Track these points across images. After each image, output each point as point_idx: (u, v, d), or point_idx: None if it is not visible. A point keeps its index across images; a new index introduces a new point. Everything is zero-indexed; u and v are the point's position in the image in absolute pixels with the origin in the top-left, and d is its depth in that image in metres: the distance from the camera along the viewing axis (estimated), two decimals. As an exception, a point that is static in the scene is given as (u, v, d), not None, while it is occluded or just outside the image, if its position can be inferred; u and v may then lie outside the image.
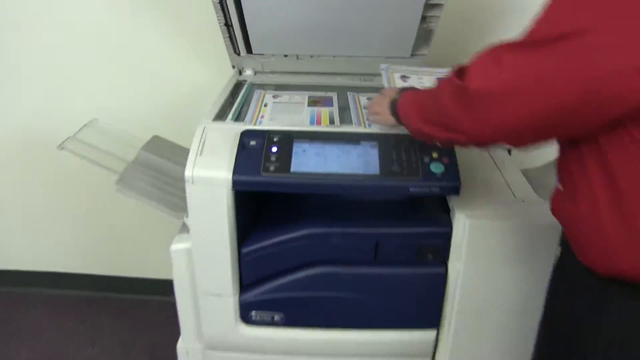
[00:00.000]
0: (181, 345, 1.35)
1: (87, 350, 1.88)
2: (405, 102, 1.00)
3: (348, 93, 1.38)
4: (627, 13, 0.63)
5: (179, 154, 1.43)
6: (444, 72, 1.24)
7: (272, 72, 1.51)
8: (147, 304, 2.10)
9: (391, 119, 1.06)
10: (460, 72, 0.79)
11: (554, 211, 0.89)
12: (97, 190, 1.95)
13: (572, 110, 0.69)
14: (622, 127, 0.70)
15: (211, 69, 1.70)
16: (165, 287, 2.02)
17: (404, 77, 1.25)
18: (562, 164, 0.84)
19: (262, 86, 1.44)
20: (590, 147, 0.75)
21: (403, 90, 1.06)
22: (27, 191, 2.00)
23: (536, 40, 0.70)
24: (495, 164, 1.32)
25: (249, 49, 1.44)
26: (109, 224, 2.05)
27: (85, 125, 1.35)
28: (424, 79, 1.24)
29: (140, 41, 1.71)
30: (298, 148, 1.11)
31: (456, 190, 1.08)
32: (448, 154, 1.10)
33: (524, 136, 0.76)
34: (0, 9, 1.70)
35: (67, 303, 2.11)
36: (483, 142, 0.82)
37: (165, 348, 1.86)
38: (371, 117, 1.16)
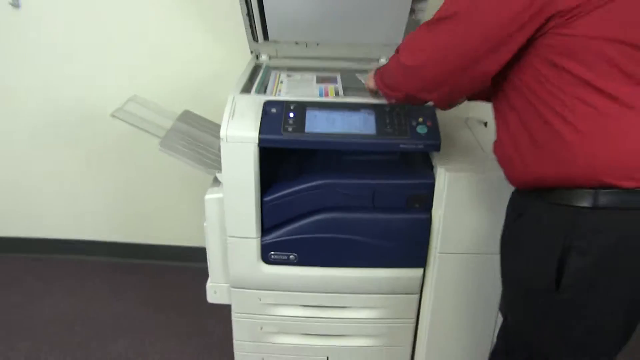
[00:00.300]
0: (210, 285, 1.61)
1: (118, 305, 2.14)
2: (377, 74, 1.32)
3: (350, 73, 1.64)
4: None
5: (206, 125, 1.69)
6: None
7: (285, 57, 1.76)
8: (169, 269, 2.36)
9: (373, 85, 1.36)
10: (398, 50, 1.16)
11: (496, 156, 1.16)
12: (126, 170, 2.22)
13: (454, 74, 1.05)
14: (519, 83, 1.02)
15: (231, 54, 1.96)
16: (185, 254, 2.30)
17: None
18: (496, 121, 1.13)
19: (277, 68, 1.70)
20: (504, 104, 1.08)
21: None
22: (67, 164, 2.25)
23: (433, 20, 1.05)
24: (470, 129, 1.58)
25: (265, 37, 1.70)
26: (138, 198, 2.30)
27: (129, 99, 1.61)
28: None
29: (172, 30, 1.98)
30: (310, 114, 1.37)
31: (437, 147, 1.34)
32: (431, 119, 1.36)
33: (437, 90, 1.12)
34: None
35: (99, 268, 2.37)
36: (414, 97, 1.17)
37: (188, 304, 2.13)
38: (366, 84, 1.43)
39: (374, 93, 1.39)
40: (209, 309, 1.96)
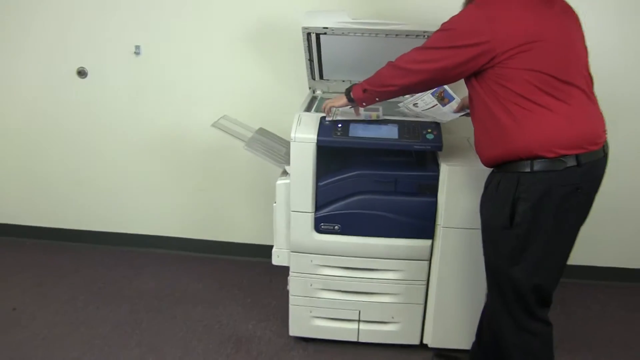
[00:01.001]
0: (275, 250, 2.20)
1: (194, 285, 2.74)
2: (357, 85, 1.83)
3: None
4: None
5: (274, 137, 2.34)
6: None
7: (335, 92, 2.41)
8: (234, 262, 2.95)
9: (344, 101, 1.88)
10: (398, 58, 1.72)
11: (478, 153, 1.74)
12: (201, 176, 2.87)
13: (429, 80, 1.66)
14: (481, 98, 1.59)
15: (291, 89, 2.63)
16: (247, 250, 2.89)
17: None
18: (474, 125, 1.71)
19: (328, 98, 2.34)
20: (484, 105, 1.62)
21: (351, 86, 1.87)
22: (152, 172, 2.92)
23: (423, 47, 1.65)
24: (469, 143, 2.18)
25: (321, 76, 2.35)
26: (208, 202, 2.94)
27: (222, 117, 2.26)
28: None
29: (249, 71, 2.67)
30: (353, 125, 1.99)
31: (440, 148, 1.94)
32: (437, 129, 1.96)
33: (420, 86, 1.73)
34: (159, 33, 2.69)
35: (178, 259, 2.98)
36: (403, 89, 1.74)
37: (250, 287, 2.71)
38: (328, 106, 1.96)
39: (329, 111, 1.98)
40: (266, 290, 2.59)
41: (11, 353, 2.18)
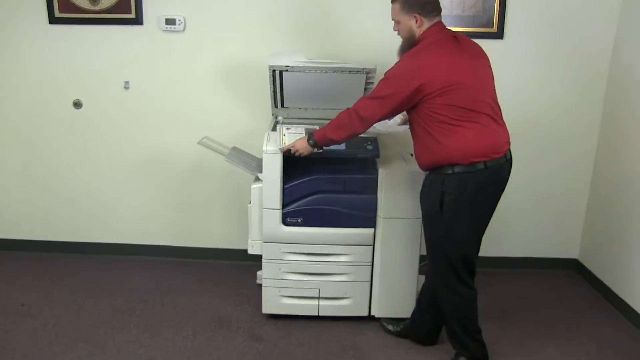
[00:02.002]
0: (250, 242, 2.72)
1: (176, 281, 3.20)
2: (319, 133, 2.34)
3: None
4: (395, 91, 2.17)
5: (247, 154, 2.89)
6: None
7: (294, 117, 2.99)
8: (211, 264, 3.44)
9: (309, 148, 2.37)
10: (355, 108, 2.25)
11: (415, 157, 2.35)
12: (182, 192, 3.38)
13: (382, 117, 2.26)
14: (420, 121, 2.21)
15: (256, 115, 3.20)
16: (216, 254, 3.38)
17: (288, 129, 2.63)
18: (414, 141, 2.31)
19: (288, 122, 2.92)
20: (420, 126, 2.23)
21: (310, 133, 2.37)
22: (139, 190, 3.40)
23: (372, 95, 2.23)
24: (401, 155, 2.80)
25: (282, 104, 2.94)
26: (187, 214, 3.43)
27: (204, 137, 2.80)
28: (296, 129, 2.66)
29: (223, 102, 3.23)
30: (310, 140, 2.57)
31: (378, 155, 2.56)
32: (374, 143, 2.57)
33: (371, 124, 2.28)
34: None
35: (160, 264, 3.44)
36: (362, 132, 2.29)
37: (225, 282, 3.20)
38: (292, 149, 2.42)
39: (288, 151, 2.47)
40: (239, 284, 3.09)
41: (28, 336, 2.59)
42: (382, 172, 2.58)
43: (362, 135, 2.59)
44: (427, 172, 2.31)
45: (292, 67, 2.67)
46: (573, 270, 3.45)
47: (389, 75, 2.20)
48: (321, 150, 2.43)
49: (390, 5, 2.29)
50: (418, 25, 2.22)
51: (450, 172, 2.18)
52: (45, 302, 2.90)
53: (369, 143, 2.58)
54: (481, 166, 2.17)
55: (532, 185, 3.32)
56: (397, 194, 2.58)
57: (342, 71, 2.70)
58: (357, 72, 2.70)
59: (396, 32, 2.31)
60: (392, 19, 2.29)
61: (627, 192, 2.94)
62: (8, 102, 3.31)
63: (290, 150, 2.46)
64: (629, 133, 2.94)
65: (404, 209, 2.60)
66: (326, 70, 2.69)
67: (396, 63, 2.24)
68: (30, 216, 3.48)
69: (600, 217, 3.23)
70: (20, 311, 2.82)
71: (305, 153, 2.42)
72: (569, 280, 3.34)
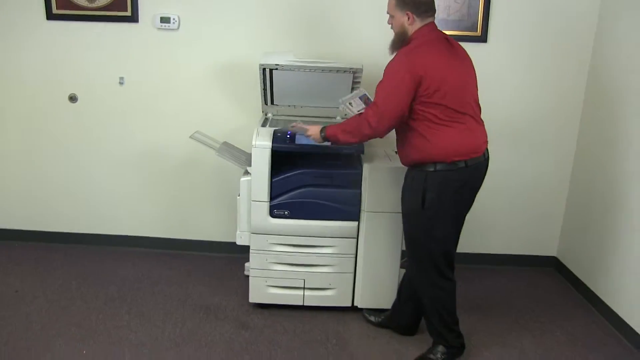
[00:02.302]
0: (238, 233, 2.82)
1: (167, 272, 3.30)
2: (331, 129, 2.41)
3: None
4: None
5: (236, 148, 2.99)
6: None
7: (282, 115, 3.10)
8: (200, 257, 3.53)
9: (319, 138, 2.44)
10: (368, 113, 2.29)
11: (398, 154, 2.45)
12: (173, 185, 3.47)
13: (396, 120, 2.29)
14: (410, 121, 2.29)
15: (246, 112, 3.30)
16: (205, 246, 3.48)
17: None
18: (398, 137, 2.42)
19: (277, 119, 3.03)
20: (407, 124, 2.31)
21: (325, 126, 2.45)
22: (132, 182, 3.50)
23: (375, 101, 2.29)
24: (385, 153, 2.91)
25: (272, 102, 3.04)
26: (178, 207, 3.53)
27: (196, 132, 2.90)
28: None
29: (215, 100, 3.33)
30: (299, 136, 2.67)
31: (362, 151, 2.67)
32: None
33: (387, 130, 2.32)
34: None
35: (151, 255, 3.53)
36: (376, 136, 2.33)
37: (214, 274, 3.30)
38: (304, 133, 2.51)
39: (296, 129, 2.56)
40: (227, 276, 3.20)
41: (22, 321, 2.68)
42: (366, 168, 2.69)
43: (347, 132, 2.72)
44: (408, 168, 2.41)
45: (282, 65, 2.77)
46: (552, 268, 3.57)
47: (388, 72, 2.27)
48: (330, 144, 2.49)
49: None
50: (410, 23, 2.31)
51: (432, 169, 2.28)
52: (39, 290, 2.99)
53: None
54: (462, 165, 2.28)
55: (512, 184, 3.44)
56: (381, 189, 2.69)
57: (329, 70, 2.81)
58: (345, 71, 2.82)
59: (389, 25, 2.40)
60: (387, 13, 2.38)
61: (604, 191, 3.06)
62: (6, 95, 3.39)
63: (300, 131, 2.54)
64: (606, 135, 3.07)
65: (387, 204, 2.70)
66: (314, 69, 2.80)
67: (392, 60, 2.30)
68: (25, 207, 3.57)
69: (579, 216, 3.35)
70: (15, 297, 2.91)
71: (317, 142, 2.50)
72: (548, 277, 3.46)
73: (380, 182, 2.68)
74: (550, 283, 3.39)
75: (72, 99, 3.37)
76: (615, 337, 2.77)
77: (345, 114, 2.66)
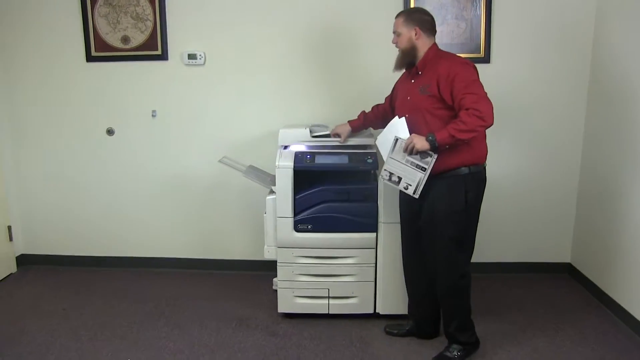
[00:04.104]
0: (266, 247, 3.05)
1: (200, 289, 3.53)
2: (442, 134, 2.37)
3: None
4: None
5: (261, 170, 3.24)
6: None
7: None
8: (229, 275, 3.76)
9: (426, 144, 2.40)
10: (472, 109, 2.34)
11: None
12: (203, 208, 3.73)
13: None
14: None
15: (270, 140, 3.56)
16: (234, 265, 3.71)
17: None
18: None
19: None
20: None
21: (432, 134, 2.39)
22: (165, 207, 3.76)
23: (482, 95, 2.41)
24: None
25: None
26: (208, 230, 3.78)
27: (223, 156, 3.17)
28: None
29: (239, 128, 3.60)
30: (318, 156, 2.92)
31: (376, 167, 2.88)
32: (373, 157, 2.91)
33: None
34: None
35: (183, 275, 3.77)
36: (487, 127, 2.41)
37: (240, 291, 3.52)
38: (408, 144, 2.42)
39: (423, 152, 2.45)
40: (256, 291, 3.41)
41: (71, 334, 2.93)
42: (381, 182, 2.91)
43: (362, 150, 2.96)
44: (434, 177, 2.47)
45: (299, 152, 2.98)
46: (566, 274, 3.71)
47: (474, 78, 2.46)
48: (433, 153, 2.44)
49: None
50: (417, 38, 2.56)
51: (468, 172, 2.51)
52: (84, 307, 3.25)
53: (369, 157, 2.92)
54: (484, 166, 2.58)
55: (523, 193, 3.61)
56: (395, 202, 2.89)
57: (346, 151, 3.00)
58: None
59: (394, 44, 2.63)
60: (394, 32, 2.61)
61: (613, 195, 3.20)
62: (50, 131, 3.72)
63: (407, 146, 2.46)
64: (611, 140, 3.23)
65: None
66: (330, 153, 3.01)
67: (461, 70, 2.45)
68: (68, 234, 3.86)
69: (590, 220, 3.49)
70: (64, 314, 3.16)
71: (421, 149, 2.43)
72: (562, 283, 3.59)
73: (395, 195, 2.88)
74: (565, 288, 3.52)
75: (110, 132, 3.68)
76: (630, 336, 2.89)
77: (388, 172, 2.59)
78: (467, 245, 2.61)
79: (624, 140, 3.06)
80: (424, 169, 2.44)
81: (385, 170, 2.54)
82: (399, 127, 2.53)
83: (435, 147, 2.41)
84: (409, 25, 2.56)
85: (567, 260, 3.73)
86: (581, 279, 3.55)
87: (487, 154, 2.59)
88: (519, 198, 3.62)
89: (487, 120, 2.36)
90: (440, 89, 2.47)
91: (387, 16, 3.28)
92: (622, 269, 3.07)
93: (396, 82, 2.86)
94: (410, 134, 2.48)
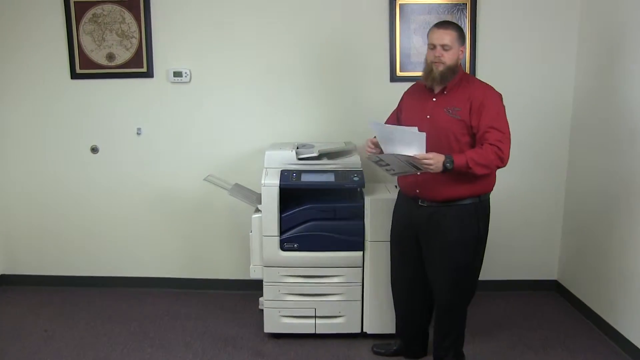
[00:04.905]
0: (251, 267, 3.02)
1: (186, 309, 3.49)
2: (460, 160, 2.30)
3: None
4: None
5: (247, 189, 3.22)
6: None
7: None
8: (216, 295, 3.72)
9: (440, 167, 2.29)
10: (496, 147, 2.33)
11: (431, 194, 2.58)
12: (188, 227, 3.70)
13: None
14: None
15: (255, 158, 3.54)
16: (219, 284, 3.67)
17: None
18: (435, 176, 2.50)
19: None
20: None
21: (450, 157, 2.29)
22: (149, 226, 3.72)
23: (505, 134, 2.39)
24: (385, 185, 3.12)
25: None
26: (193, 248, 3.74)
27: (208, 175, 3.15)
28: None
29: (223, 146, 3.58)
30: (304, 174, 2.90)
31: (363, 185, 2.88)
32: (360, 175, 2.90)
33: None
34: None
35: (168, 295, 3.72)
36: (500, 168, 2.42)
37: (228, 310, 3.48)
38: (425, 162, 2.26)
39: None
40: (242, 310, 3.36)
41: (53, 356, 2.87)
42: (367, 200, 2.90)
43: (348, 168, 2.95)
44: (439, 205, 2.47)
45: (285, 170, 2.95)
46: (554, 291, 3.71)
47: (503, 111, 2.44)
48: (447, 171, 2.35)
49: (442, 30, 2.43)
50: (461, 57, 2.47)
51: (478, 200, 2.50)
52: (67, 329, 3.19)
53: (355, 175, 2.91)
54: (490, 193, 2.59)
55: (509, 211, 3.62)
56: (382, 220, 2.89)
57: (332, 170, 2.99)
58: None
59: (439, 56, 2.40)
60: (443, 44, 2.39)
61: (599, 212, 3.22)
62: (34, 148, 3.68)
63: (418, 162, 2.31)
64: (596, 157, 3.27)
65: (388, 233, 2.89)
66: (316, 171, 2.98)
67: (495, 100, 2.42)
68: (49, 253, 3.80)
69: (576, 238, 3.51)
70: (45, 336, 3.10)
71: (436, 171, 2.32)
72: (550, 300, 3.60)
73: (381, 213, 2.88)
74: (553, 305, 3.53)
75: (94, 150, 3.64)
76: (617, 353, 2.90)
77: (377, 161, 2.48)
78: (478, 270, 2.63)
79: (610, 160, 3.09)
80: (418, 169, 2.36)
81: (378, 157, 2.42)
82: (416, 140, 2.30)
83: (450, 170, 2.32)
84: (460, 41, 2.43)
85: (553, 277, 3.74)
86: (568, 296, 3.55)
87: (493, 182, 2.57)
88: (506, 216, 3.62)
89: (504, 162, 2.37)
90: (470, 114, 2.39)
91: (375, 33, 3.32)
92: (608, 286, 3.08)
93: (403, 96, 2.72)
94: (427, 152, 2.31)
